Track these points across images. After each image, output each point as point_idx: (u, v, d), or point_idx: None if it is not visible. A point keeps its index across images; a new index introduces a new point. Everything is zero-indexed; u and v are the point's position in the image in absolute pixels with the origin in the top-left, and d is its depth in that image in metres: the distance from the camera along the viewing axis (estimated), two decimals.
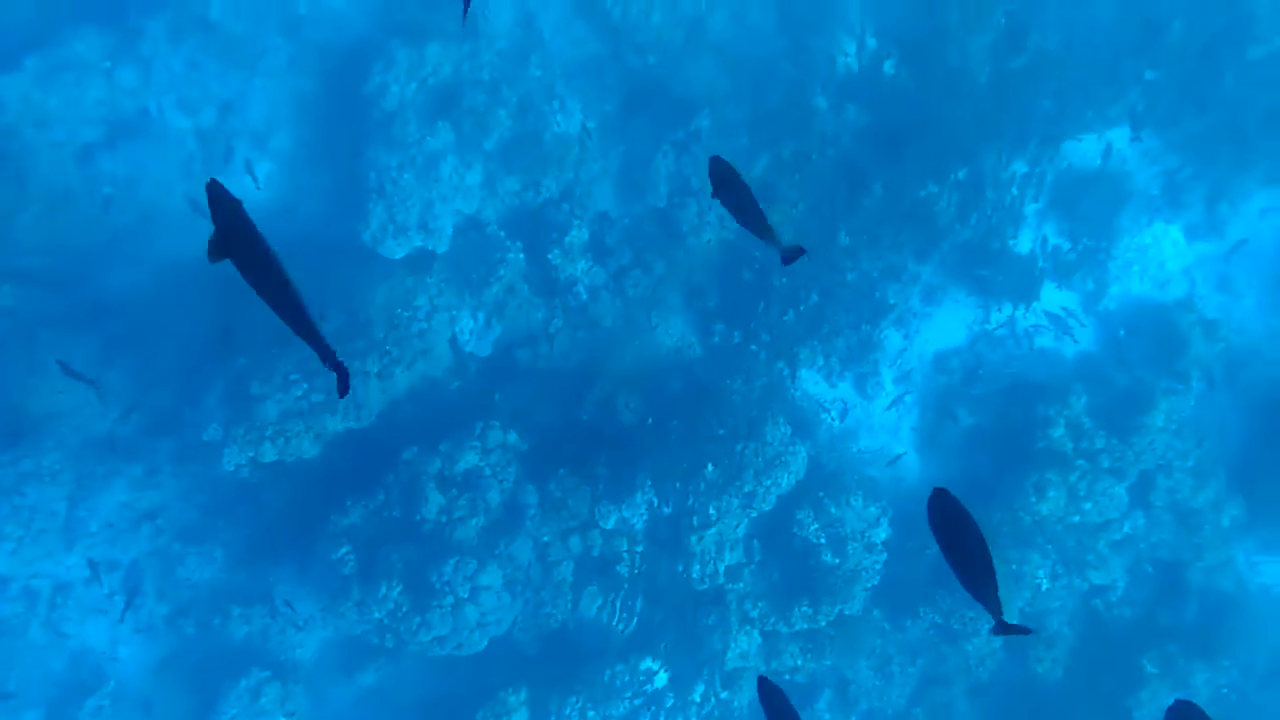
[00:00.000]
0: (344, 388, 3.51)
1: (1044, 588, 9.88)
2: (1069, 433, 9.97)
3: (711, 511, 9.59)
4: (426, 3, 10.37)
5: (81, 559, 9.34)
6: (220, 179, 3.36)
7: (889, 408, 10.71)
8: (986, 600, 3.62)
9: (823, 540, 9.60)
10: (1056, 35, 10.55)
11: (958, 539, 3.56)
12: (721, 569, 9.67)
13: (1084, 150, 10.99)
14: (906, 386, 10.81)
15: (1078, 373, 10.50)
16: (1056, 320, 10.77)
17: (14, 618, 9.23)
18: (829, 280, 10.49)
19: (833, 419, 10.67)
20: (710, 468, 9.64)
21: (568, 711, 9.24)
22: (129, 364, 9.53)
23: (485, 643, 9.07)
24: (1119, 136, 10.92)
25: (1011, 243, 10.78)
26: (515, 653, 9.54)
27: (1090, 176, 10.98)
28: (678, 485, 9.73)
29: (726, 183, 4.78)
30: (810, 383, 10.77)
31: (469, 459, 9.38)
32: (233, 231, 3.17)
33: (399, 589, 8.72)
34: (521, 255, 10.29)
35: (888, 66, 10.76)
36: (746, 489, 9.58)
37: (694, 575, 9.65)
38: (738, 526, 9.76)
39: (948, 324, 10.94)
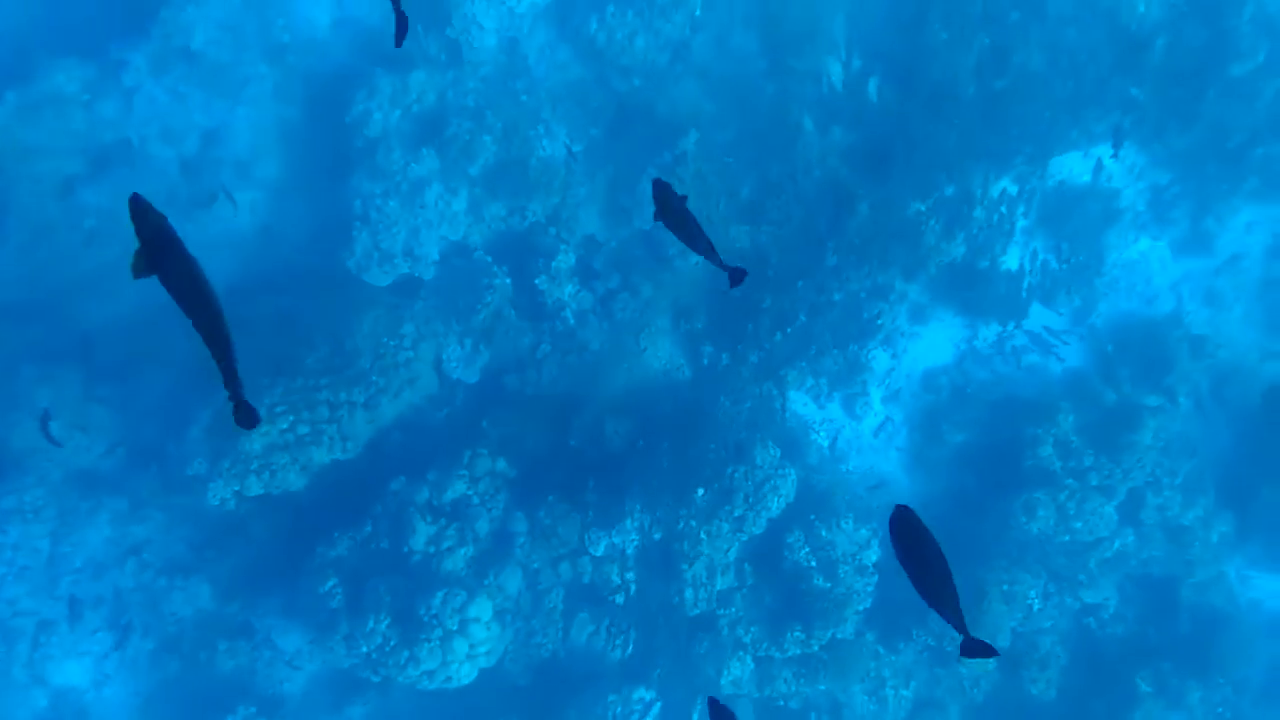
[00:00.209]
0: (246, 419, 3.36)
1: (1036, 608, 9.86)
2: (1057, 451, 9.98)
3: (702, 536, 9.54)
4: (410, 31, 10.32)
5: (65, 596, 9.23)
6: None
7: (877, 431, 10.69)
8: (950, 619, 3.58)
9: (814, 564, 9.56)
10: (1040, 54, 10.58)
11: (919, 557, 3.53)
12: (713, 594, 9.62)
13: (1070, 167, 11.02)
14: (894, 407, 10.80)
15: (1066, 390, 10.50)
16: (1044, 338, 10.78)
17: None
18: (817, 300, 10.48)
19: (822, 440, 10.64)
20: (700, 492, 9.59)
21: None
22: (112, 397, 9.44)
23: (475, 674, 8.99)
24: (1104, 154, 10.94)
25: (998, 261, 10.79)
26: (506, 683, 9.47)
27: (1076, 194, 11.00)
28: (668, 510, 9.68)
29: (668, 206, 4.68)
30: (799, 403, 10.75)
31: (457, 488, 9.32)
32: (158, 246, 3.09)
33: (387, 622, 8.64)
34: (508, 280, 10.25)
35: (873, 86, 10.78)
36: (737, 513, 9.53)
37: (685, 601, 9.59)
38: (728, 551, 9.71)
39: (935, 343, 10.94)
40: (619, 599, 9.65)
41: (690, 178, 10.34)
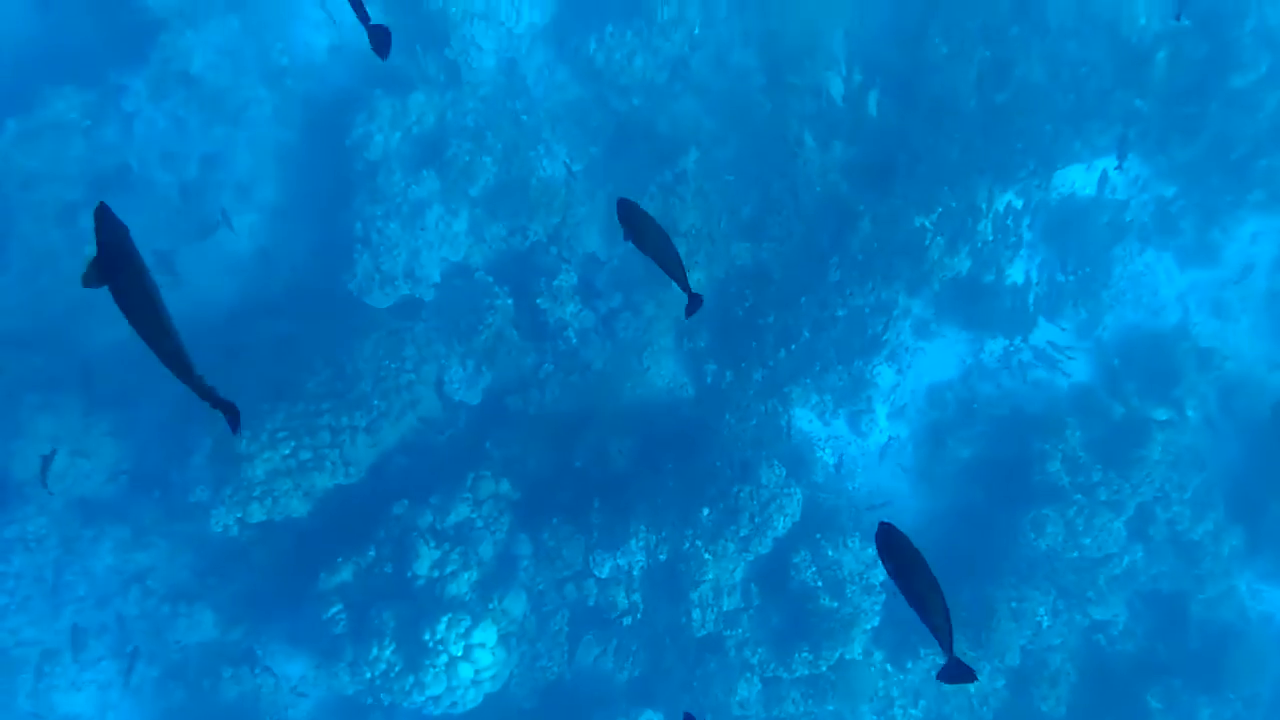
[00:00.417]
0: (235, 424, 3.31)
1: (1045, 625, 9.78)
2: (1065, 467, 9.91)
3: (707, 556, 9.49)
4: (409, 52, 10.34)
5: (69, 625, 9.19)
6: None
7: (883, 451, 10.63)
8: (940, 638, 3.52)
9: (820, 583, 9.49)
10: (1041, 67, 10.54)
11: (907, 575, 3.48)
12: (719, 615, 9.55)
13: (1073, 180, 10.98)
14: (900, 424, 10.74)
15: (1073, 405, 10.44)
16: (1049, 353, 10.71)
17: (2, 688, 9.08)
18: (820, 317, 10.43)
19: (827, 457, 10.58)
20: (705, 511, 9.53)
21: None
22: (114, 424, 9.42)
23: (480, 699, 8.93)
24: (1108, 166, 10.89)
25: (1003, 275, 10.74)
26: (512, 707, 9.41)
27: (1080, 206, 10.95)
28: (673, 530, 9.62)
29: (637, 227, 4.59)
30: (804, 421, 10.70)
31: (461, 511, 9.27)
32: (113, 257, 3.00)
33: (391, 648, 8.59)
34: (510, 301, 10.22)
35: (873, 101, 10.74)
36: (742, 533, 9.48)
37: (692, 622, 9.53)
38: (734, 571, 9.65)
39: (941, 358, 10.89)
40: (625, 621, 9.58)
41: (691, 195, 10.31)
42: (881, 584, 9.62)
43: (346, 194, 10.04)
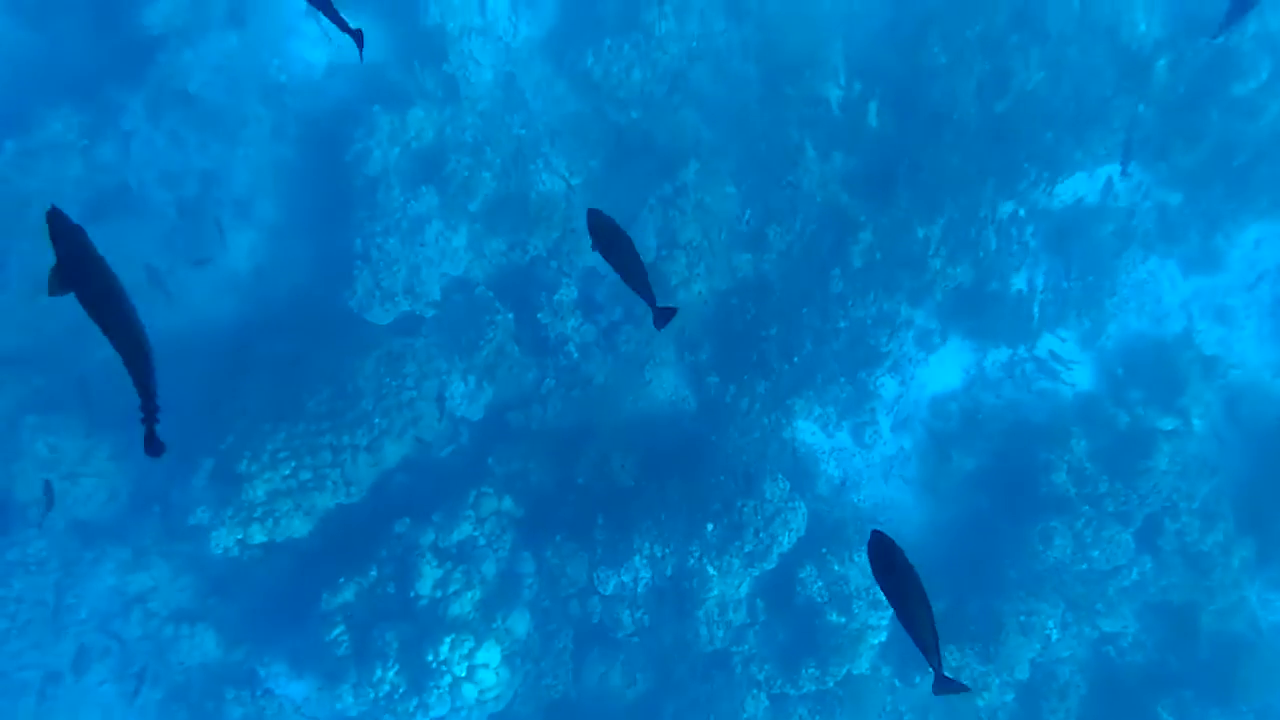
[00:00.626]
0: (153, 448, 3.20)
1: (1054, 638, 9.68)
2: (1071, 478, 9.83)
3: (712, 572, 9.42)
4: (407, 67, 10.31)
5: (72, 647, 9.13)
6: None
7: (887, 463, 10.56)
8: (927, 652, 3.43)
9: (827, 599, 9.42)
10: (1042, 75, 10.50)
11: (897, 587, 3.39)
12: (725, 631, 9.48)
13: (1075, 188, 10.91)
14: (904, 435, 10.66)
15: (1078, 414, 10.36)
16: (1053, 363, 10.64)
17: (4, 712, 9.02)
18: (823, 328, 10.38)
19: (832, 470, 10.51)
20: (710, 527, 9.47)
21: None
22: (115, 445, 9.37)
23: (485, 719, 8.87)
24: (1111, 174, 10.84)
25: (1006, 284, 10.67)
26: None
27: (1083, 214, 10.88)
28: (677, 546, 9.55)
29: (606, 238, 4.51)
30: (808, 433, 10.63)
31: (463, 529, 9.21)
32: (76, 262, 2.93)
33: (395, 669, 8.53)
34: (510, 316, 10.18)
35: (873, 111, 10.69)
36: (747, 548, 9.42)
37: (697, 638, 9.46)
38: (740, 586, 9.59)
39: (944, 369, 10.82)
40: (630, 638, 9.51)
41: (691, 208, 10.27)
42: None
43: (346, 210, 10.01)
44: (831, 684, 9.35)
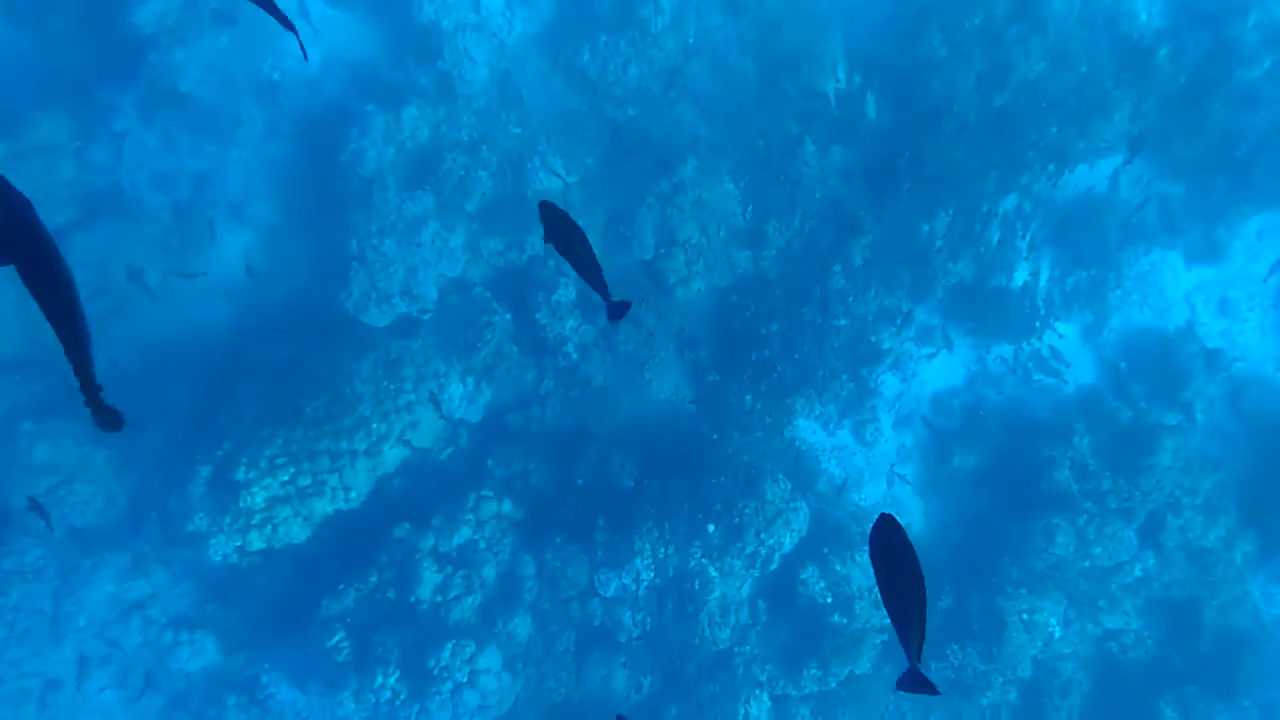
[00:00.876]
0: (106, 423, 2.99)
1: (1057, 635, 9.66)
2: (1074, 474, 9.78)
3: (714, 573, 9.38)
4: (400, 65, 10.19)
5: (71, 655, 9.09)
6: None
7: (889, 458, 10.50)
8: (908, 642, 3.26)
9: (829, 599, 9.38)
10: (1042, 67, 10.38)
11: (893, 572, 3.24)
12: (727, 632, 9.44)
13: (1077, 181, 10.81)
14: (905, 432, 10.61)
15: (1080, 410, 10.31)
16: (1055, 359, 10.57)
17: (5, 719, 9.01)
18: (823, 325, 10.30)
19: (833, 468, 10.45)
20: (711, 528, 9.42)
21: None
22: (112, 451, 9.30)
23: None
24: (1112, 166, 10.73)
25: (1007, 279, 10.59)
26: None
27: (1085, 207, 10.80)
28: (678, 548, 9.50)
29: (559, 230, 4.39)
30: (808, 432, 10.57)
31: (463, 533, 9.16)
32: (15, 232, 2.75)
33: (396, 676, 8.49)
34: (508, 316, 10.09)
35: (872, 105, 10.59)
36: (749, 549, 9.37)
37: (699, 639, 9.42)
38: (742, 587, 9.55)
39: (946, 365, 10.75)
40: (631, 640, 9.47)
41: (690, 205, 10.17)
42: None
43: (341, 211, 9.91)
44: (834, 684, 9.32)
